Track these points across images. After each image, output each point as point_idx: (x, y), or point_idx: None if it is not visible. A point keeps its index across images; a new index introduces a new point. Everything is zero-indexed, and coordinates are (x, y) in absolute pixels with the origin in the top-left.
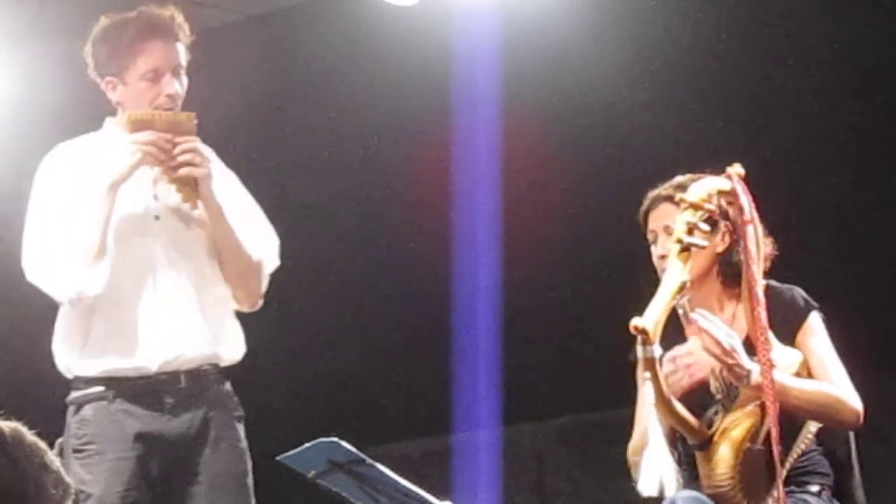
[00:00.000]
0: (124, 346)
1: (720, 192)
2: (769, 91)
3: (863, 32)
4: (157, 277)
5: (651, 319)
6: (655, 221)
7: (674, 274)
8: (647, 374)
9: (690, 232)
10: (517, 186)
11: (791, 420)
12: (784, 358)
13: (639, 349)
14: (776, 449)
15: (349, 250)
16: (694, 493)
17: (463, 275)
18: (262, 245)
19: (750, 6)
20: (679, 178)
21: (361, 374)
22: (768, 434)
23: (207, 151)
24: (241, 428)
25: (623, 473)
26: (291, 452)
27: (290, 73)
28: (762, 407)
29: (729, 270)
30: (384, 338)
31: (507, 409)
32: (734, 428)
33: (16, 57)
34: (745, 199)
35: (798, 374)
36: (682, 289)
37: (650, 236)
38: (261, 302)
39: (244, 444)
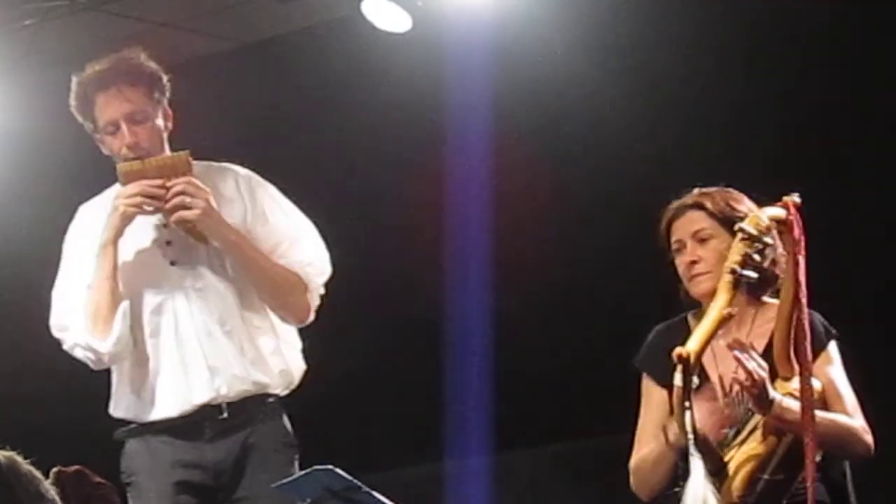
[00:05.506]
0: (154, 397)
1: (777, 222)
2: (770, 118)
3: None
4: (179, 325)
5: (694, 349)
6: (682, 230)
7: (720, 305)
8: (687, 404)
9: (744, 264)
10: (510, 212)
11: (797, 449)
12: None
13: (677, 377)
14: (810, 484)
15: (340, 276)
16: None
17: (455, 300)
18: (305, 259)
19: (753, 42)
20: (701, 189)
21: (354, 400)
22: (780, 464)
23: (236, 173)
24: (288, 458)
25: (618, 499)
26: (287, 480)
27: (283, 101)
28: (777, 437)
29: (754, 281)
30: (375, 364)
31: (500, 435)
32: (747, 458)
33: (10, 86)
34: (799, 231)
35: None
36: (726, 320)
37: (675, 246)
38: (311, 316)
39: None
